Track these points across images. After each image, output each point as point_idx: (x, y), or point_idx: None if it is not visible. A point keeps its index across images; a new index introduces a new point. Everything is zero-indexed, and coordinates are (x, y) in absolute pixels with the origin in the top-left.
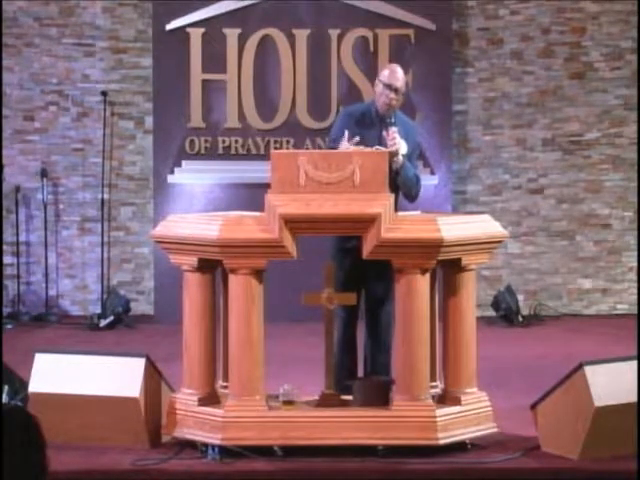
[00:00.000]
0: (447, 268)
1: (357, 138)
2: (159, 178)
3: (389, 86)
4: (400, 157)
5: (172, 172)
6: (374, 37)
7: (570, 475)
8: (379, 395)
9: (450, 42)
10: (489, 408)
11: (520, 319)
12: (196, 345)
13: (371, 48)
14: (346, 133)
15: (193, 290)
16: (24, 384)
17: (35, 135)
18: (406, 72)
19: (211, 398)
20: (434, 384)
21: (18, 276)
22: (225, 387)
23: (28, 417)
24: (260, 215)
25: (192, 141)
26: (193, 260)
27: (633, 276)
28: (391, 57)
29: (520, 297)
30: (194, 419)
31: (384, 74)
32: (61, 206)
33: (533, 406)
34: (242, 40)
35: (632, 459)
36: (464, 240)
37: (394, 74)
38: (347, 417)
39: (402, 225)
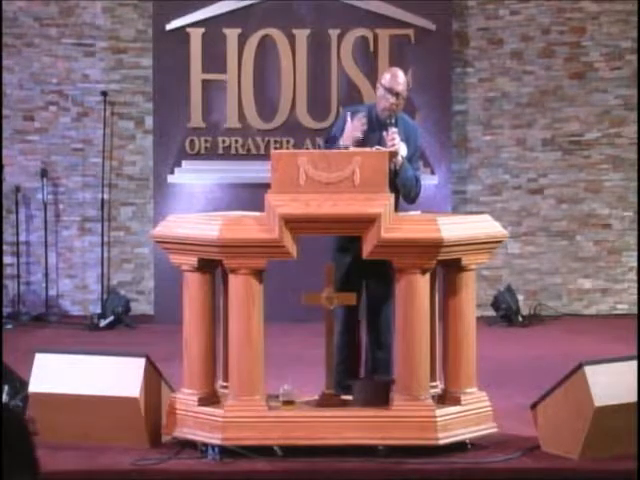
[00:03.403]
0: (447, 268)
1: (364, 119)
2: (159, 178)
3: (390, 90)
4: (399, 158)
5: (172, 172)
6: (374, 37)
7: (570, 475)
8: (379, 395)
9: (450, 42)
10: (489, 408)
11: (520, 319)
12: (196, 345)
13: (371, 48)
14: (351, 119)
15: (193, 290)
16: (24, 384)
17: (35, 135)
18: (406, 72)
19: (211, 398)
20: (434, 384)
21: (18, 276)
22: (225, 387)
23: (18, 419)
24: (260, 215)
25: (192, 141)
26: (193, 260)
27: (633, 276)
28: (391, 57)
29: (520, 297)
30: (194, 419)
31: (385, 78)
32: (61, 206)
33: (533, 406)
34: (242, 40)
35: (632, 459)
36: (464, 240)
37: (395, 78)
38: (347, 417)
39: (402, 225)
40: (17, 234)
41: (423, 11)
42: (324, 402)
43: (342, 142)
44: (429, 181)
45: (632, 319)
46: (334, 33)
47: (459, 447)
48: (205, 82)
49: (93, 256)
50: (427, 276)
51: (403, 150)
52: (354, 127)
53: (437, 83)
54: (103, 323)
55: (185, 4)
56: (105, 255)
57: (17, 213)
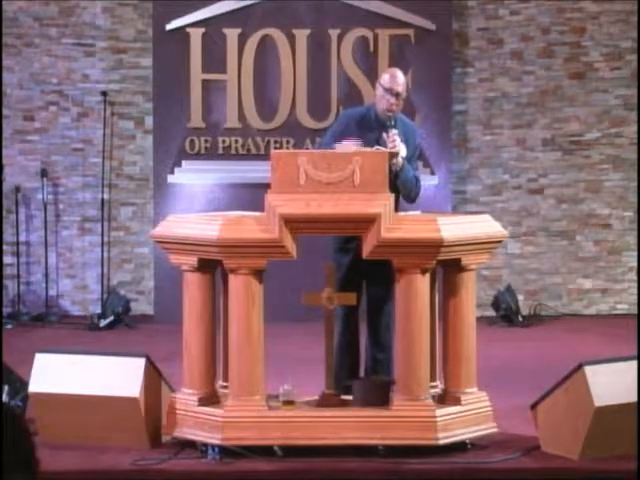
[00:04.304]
0: (447, 268)
1: (360, 142)
2: (159, 178)
3: (389, 90)
4: (400, 159)
5: (172, 172)
6: (374, 37)
7: (570, 475)
8: (379, 395)
9: (450, 42)
10: (489, 408)
11: (520, 319)
12: (196, 345)
13: (371, 48)
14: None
15: (193, 290)
16: (24, 384)
17: (35, 135)
18: (406, 72)
19: (211, 398)
20: (434, 384)
21: (18, 276)
22: (225, 387)
23: (18, 419)
24: (260, 215)
25: (192, 141)
26: (193, 260)
27: (633, 276)
28: (391, 57)
29: (520, 297)
30: (194, 419)
31: (385, 78)
32: (61, 206)
33: (533, 406)
34: (242, 40)
35: (632, 459)
36: (464, 240)
37: (395, 78)
38: (347, 417)
39: (402, 225)
40: (17, 234)
41: (423, 11)
42: (324, 402)
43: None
44: (429, 181)
45: (632, 319)
46: (334, 33)
47: (459, 447)
48: (205, 82)
49: (93, 256)
50: (427, 276)
51: (403, 151)
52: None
53: (437, 83)
54: (103, 323)
55: (185, 4)
56: (105, 255)
57: (17, 213)
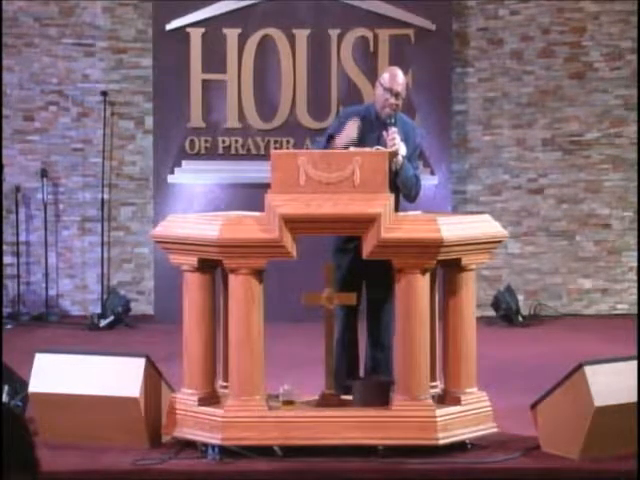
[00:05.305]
0: (447, 268)
1: (357, 122)
2: (159, 178)
3: (389, 90)
4: (400, 158)
5: (172, 172)
6: (374, 37)
7: (570, 475)
8: (379, 395)
9: (450, 42)
10: (489, 408)
11: (520, 319)
12: (196, 345)
13: (371, 48)
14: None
15: (193, 290)
16: (24, 384)
17: (35, 135)
18: (406, 72)
19: (211, 398)
20: (434, 384)
21: (18, 276)
22: (225, 387)
23: (18, 419)
24: (260, 215)
25: (192, 141)
26: (193, 260)
27: (633, 276)
28: (391, 57)
29: (520, 297)
30: (194, 419)
31: (384, 77)
32: (61, 206)
33: (533, 406)
34: (242, 40)
35: (632, 459)
36: (464, 240)
37: (395, 78)
38: (347, 417)
39: (402, 225)
40: (17, 234)
41: (423, 11)
42: (324, 402)
43: (337, 141)
44: (429, 181)
45: (632, 319)
46: (334, 33)
47: (459, 447)
48: (205, 82)
49: (93, 256)
50: (427, 276)
51: (403, 149)
52: (350, 129)
53: (437, 83)
54: (103, 323)
55: (185, 4)
56: (105, 255)
57: (17, 213)
